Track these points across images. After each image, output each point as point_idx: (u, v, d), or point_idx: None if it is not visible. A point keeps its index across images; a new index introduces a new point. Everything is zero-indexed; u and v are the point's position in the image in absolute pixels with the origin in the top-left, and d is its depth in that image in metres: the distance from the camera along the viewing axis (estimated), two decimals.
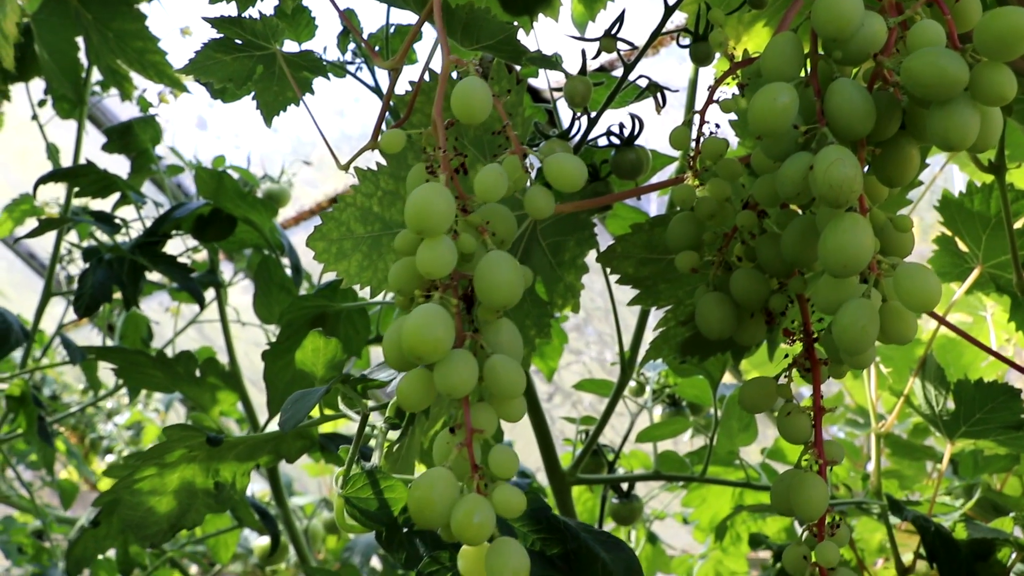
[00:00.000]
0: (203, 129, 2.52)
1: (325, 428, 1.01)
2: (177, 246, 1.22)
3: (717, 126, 0.59)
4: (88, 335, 3.14)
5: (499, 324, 0.48)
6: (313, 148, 2.19)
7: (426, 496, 0.44)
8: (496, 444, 0.46)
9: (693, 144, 0.59)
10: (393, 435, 0.62)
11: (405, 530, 0.53)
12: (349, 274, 0.60)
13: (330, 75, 0.79)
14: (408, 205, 0.46)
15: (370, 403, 0.64)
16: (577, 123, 0.74)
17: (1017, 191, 0.79)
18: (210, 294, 1.34)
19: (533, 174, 0.54)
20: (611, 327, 2.14)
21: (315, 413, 0.69)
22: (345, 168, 0.61)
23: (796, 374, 0.57)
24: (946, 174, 1.24)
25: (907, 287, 0.45)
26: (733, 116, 0.66)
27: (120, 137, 1.21)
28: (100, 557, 1.53)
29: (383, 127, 0.61)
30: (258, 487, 2.82)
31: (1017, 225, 0.78)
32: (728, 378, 1.13)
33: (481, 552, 0.45)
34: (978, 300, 1.16)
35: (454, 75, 0.53)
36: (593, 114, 0.74)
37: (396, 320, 0.48)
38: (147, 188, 1.52)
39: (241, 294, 2.37)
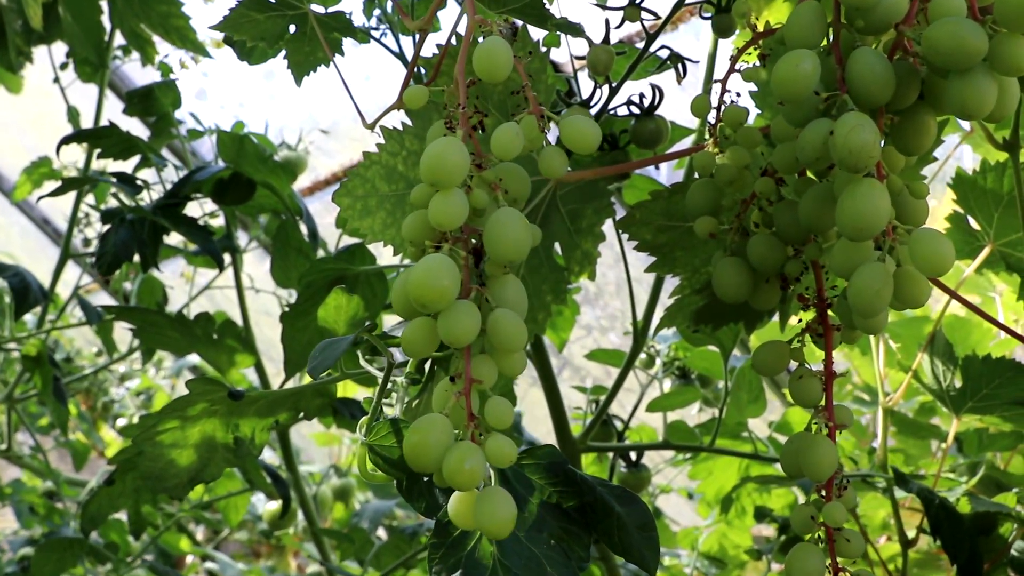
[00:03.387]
0: (202, 99, 2.53)
1: (338, 393, 1.03)
2: (193, 211, 1.23)
3: (738, 95, 0.60)
4: (101, 302, 3.16)
5: (506, 280, 0.50)
6: (317, 124, 2.20)
7: (422, 440, 0.45)
8: (492, 396, 0.47)
9: (713, 112, 0.60)
10: (413, 391, 0.63)
11: (425, 479, 0.54)
12: (373, 231, 0.62)
13: (356, 41, 0.81)
14: (424, 157, 0.47)
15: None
16: (598, 92, 0.75)
17: None
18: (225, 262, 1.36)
19: (553, 140, 0.56)
20: (621, 302, 2.15)
21: (334, 368, 0.70)
22: (371, 127, 0.63)
23: (809, 339, 0.58)
24: (957, 157, 1.25)
25: (921, 251, 0.46)
26: (753, 87, 0.67)
27: (141, 101, 1.22)
28: (112, 517, 1.55)
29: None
30: (266, 456, 2.84)
31: None
32: (736, 354, 1.15)
33: (472, 498, 0.46)
34: (988, 281, 1.17)
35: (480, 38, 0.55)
36: (614, 84, 0.75)
37: (406, 270, 0.50)
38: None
39: (253, 262, 2.39)
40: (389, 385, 0.62)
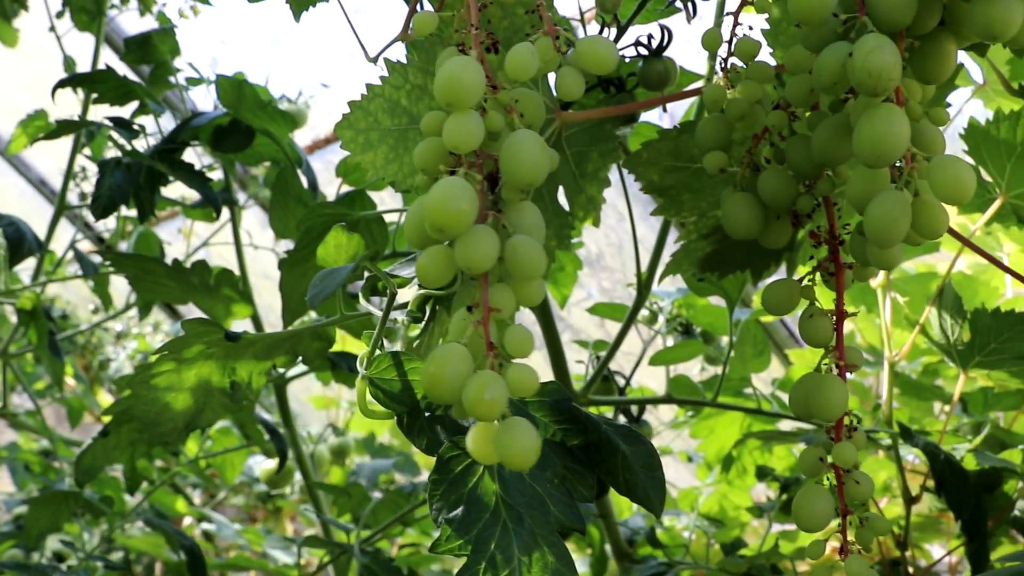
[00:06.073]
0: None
1: (335, 347, 1.01)
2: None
3: (750, 28, 0.58)
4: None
5: (523, 205, 0.48)
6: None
7: (439, 371, 0.44)
8: (511, 324, 0.46)
9: (724, 47, 0.59)
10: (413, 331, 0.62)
11: (427, 415, 0.53)
12: (375, 166, 0.60)
13: None
14: (438, 77, 0.46)
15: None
16: (605, 32, 0.73)
17: None
18: (223, 219, 1.35)
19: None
20: (621, 264, 2.14)
21: (333, 311, 0.68)
22: (374, 61, 0.61)
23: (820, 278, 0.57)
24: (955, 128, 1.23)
25: (941, 177, 0.45)
26: (765, 25, 0.66)
27: (139, 48, 1.20)
28: (107, 475, 1.54)
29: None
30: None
31: None
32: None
33: (491, 431, 0.45)
34: (995, 240, 1.16)
35: None
36: (622, 23, 0.73)
37: (419, 198, 0.48)
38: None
39: (252, 224, 2.37)
40: (389, 324, 0.61)
